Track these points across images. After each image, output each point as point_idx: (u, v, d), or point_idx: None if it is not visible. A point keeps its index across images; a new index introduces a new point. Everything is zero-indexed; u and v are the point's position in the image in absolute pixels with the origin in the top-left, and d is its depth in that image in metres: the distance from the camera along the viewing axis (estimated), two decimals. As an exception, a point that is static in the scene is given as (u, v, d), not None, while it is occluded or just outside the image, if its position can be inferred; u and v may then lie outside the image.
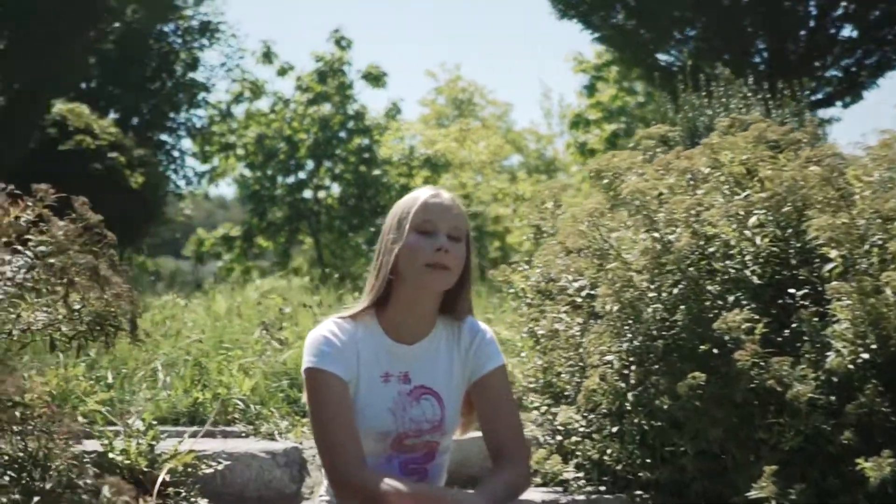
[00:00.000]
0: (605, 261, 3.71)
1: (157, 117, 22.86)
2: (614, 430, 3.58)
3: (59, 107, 16.09)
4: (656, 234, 3.51)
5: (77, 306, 2.80)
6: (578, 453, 3.73)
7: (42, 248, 2.45)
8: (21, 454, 3.20)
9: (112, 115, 20.53)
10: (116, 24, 16.89)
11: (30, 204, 2.58)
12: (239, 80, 24.06)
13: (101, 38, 15.71)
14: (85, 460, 3.39)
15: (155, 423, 3.51)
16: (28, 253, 2.48)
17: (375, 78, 23.58)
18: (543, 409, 4.02)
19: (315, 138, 22.61)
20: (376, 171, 22.31)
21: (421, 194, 2.65)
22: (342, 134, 22.97)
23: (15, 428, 3.13)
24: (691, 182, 3.72)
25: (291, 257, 23.96)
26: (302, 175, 23.26)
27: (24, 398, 3.58)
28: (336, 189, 23.05)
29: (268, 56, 23.61)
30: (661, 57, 15.86)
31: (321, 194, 22.93)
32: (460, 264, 2.59)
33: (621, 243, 3.71)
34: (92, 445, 3.40)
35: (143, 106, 22.54)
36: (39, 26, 13.79)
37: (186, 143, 24.12)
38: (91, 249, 2.61)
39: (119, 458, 3.28)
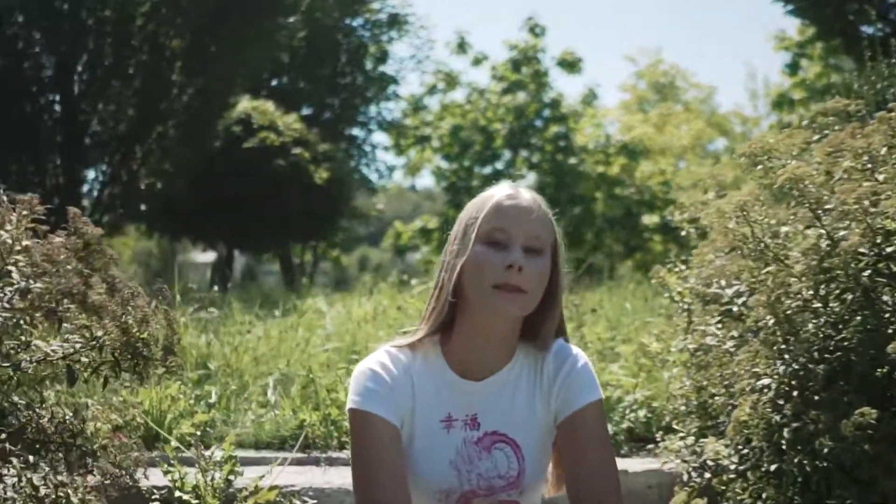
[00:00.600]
0: (761, 263, 3.06)
1: (348, 112, 23.03)
2: (772, 468, 2.93)
3: (244, 104, 16.31)
4: (821, 231, 2.84)
5: (99, 332, 2.44)
6: (729, 495, 3.10)
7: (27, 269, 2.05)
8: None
9: (304, 111, 20.78)
10: (299, 19, 16.93)
11: (13, 217, 2.17)
12: (433, 72, 24.01)
13: (285, 33, 15.76)
14: (154, 497, 3.06)
15: (235, 452, 3.11)
16: (15, 275, 2.10)
17: (570, 64, 23.05)
18: (690, 439, 3.40)
19: (510, 128, 22.28)
20: (572, 160, 21.72)
21: (495, 193, 2.12)
22: (538, 122, 22.55)
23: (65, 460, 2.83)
24: (868, 165, 3.01)
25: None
26: (498, 165, 22.97)
27: (83, 428, 3.28)
28: (532, 179, 22.60)
29: (462, 47, 23.47)
30: (864, 29, 14.45)
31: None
32: (541, 283, 2.07)
33: (782, 241, 3.05)
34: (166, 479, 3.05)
35: (334, 101, 22.75)
36: (222, 23, 13.94)
37: (377, 137, 24.31)
38: (82, 271, 2.20)
39: (188, 497, 2.89)
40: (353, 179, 21.20)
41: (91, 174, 14.39)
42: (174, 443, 3.57)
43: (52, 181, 13.95)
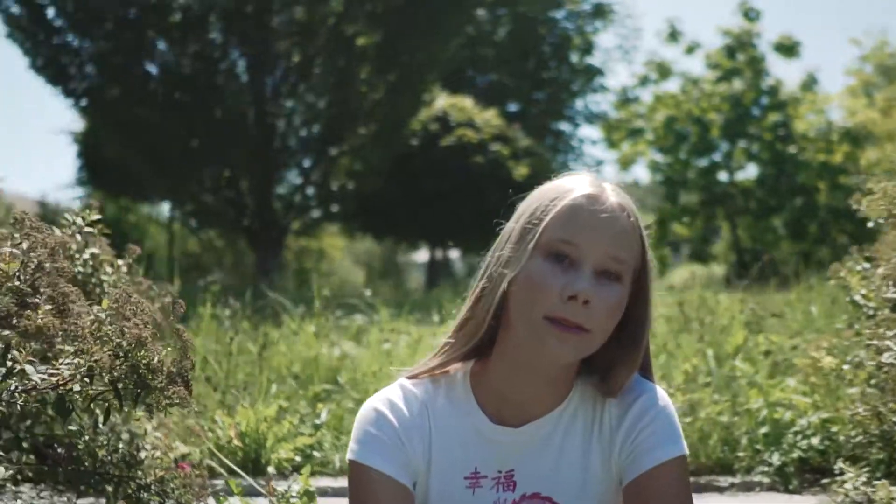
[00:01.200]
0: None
1: (554, 106, 22.53)
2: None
3: (442, 102, 16.08)
4: None
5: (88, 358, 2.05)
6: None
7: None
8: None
9: (510, 108, 20.46)
10: (505, 14, 16.57)
11: None
12: (643, 62, 23.27)
13: (474, 25, 15.40)
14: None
15: (330, 482, 2.66)
16: None
17: (788, 49, 21.81)
18: (864, 477, 2.74)
19: (726, 117, 21.22)
20: (793, 149, 20.44)
21: (571, 190, 1.55)
22: (755, 111, 21.39)
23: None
24: None
25: (709, 243, 22.77)
26: (715, 157, 21.99)
27: (137, 457, 2.95)
28: (752, 170, 21.45)
29: (673, 35, 22.64)
30: None
31: (738, 176, 21.56)
32: (611, 318, 1.50)
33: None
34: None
35: (539, 96, 22.30)
36: (412, 18, 13.73)
37: (585, 132, 23.73)
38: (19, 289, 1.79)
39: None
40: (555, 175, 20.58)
41: (287, 176, 14.46)
42: (272, 469, 3.20)
43: (246, 185, 14.14)
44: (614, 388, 1.59)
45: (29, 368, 2.21)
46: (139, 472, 3.00)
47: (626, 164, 23.91)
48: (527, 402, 1.59)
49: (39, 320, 1.89)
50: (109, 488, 3.00)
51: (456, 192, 15.61)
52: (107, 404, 2.22)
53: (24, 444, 2.80)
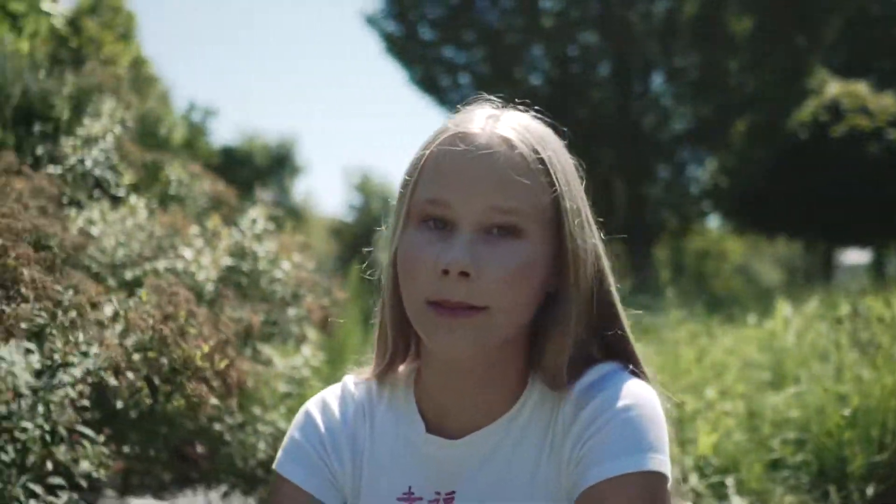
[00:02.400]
0: None
1: None
2: None
3: (832, 89, 14.70)
4: None
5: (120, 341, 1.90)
6: None
7: None
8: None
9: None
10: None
11: None
12: None
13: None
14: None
15: None
16: None
17: None
18: None
19: None
20: None
21: (445, 129, 1.19)
22: None
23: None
24: None
25: None
26: None
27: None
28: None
29: None
30: None
31: None
32: (514, 288, 1.13)
33: None
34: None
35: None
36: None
37: None
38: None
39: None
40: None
41: (659, 174, 13.99)
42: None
43: (619, 184, 13.88)
44: (555, 377, 1.20)
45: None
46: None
47: None
48: (466, 410, 1.23)
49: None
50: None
51: (849, 184, 14.26)
52: (138, 393, 2.09)
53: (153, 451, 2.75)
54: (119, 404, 2.89)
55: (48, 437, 2.27)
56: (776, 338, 4.18)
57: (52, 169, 3.15)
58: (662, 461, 1.15)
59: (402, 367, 1.29)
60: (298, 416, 1.30)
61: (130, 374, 2.00)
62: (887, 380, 3.08)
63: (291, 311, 3.07)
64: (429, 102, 14.80)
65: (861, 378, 3.24)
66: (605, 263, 1.22)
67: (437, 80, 15.12)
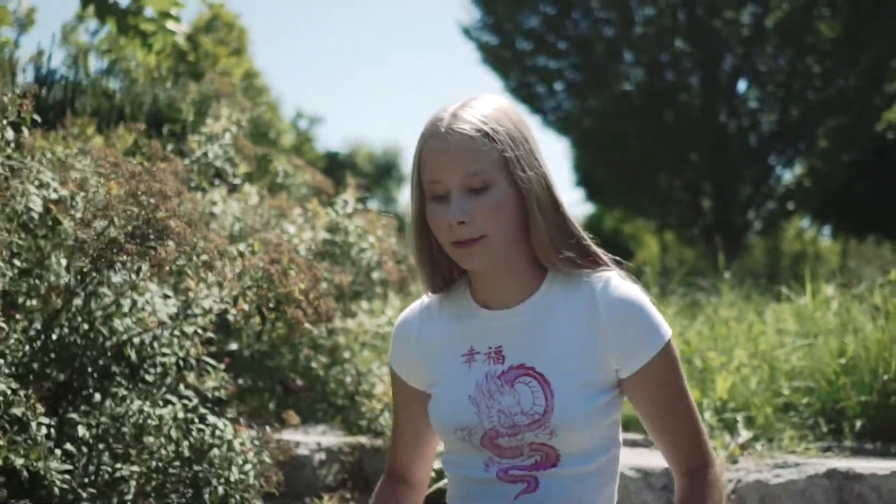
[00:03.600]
0: None
1: None
2: None
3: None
4: None
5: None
6: None
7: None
8: None
9: None
10: None
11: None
12: None
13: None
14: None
15: None
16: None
17: None
18: None
19: None
20: None
21: (427, 127, 1.84)
22: None
23: None
24: None
25: None
26: None
27: (361, 390, 3.46)
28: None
29: None
30: None
31: None
32: (503, 213, 1.78)
33: None
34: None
35: None
36: (879, 5, 12.97)
37: None
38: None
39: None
40: None
41: (747, 175, 14.31)
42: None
43: (708, 186, 14.25)
44: (547, 258, 1.83)
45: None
46: (365, 403, 3.50)
47: None
48: (501, 294, 1.86)
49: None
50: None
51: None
52: (256, 322, 2.76)
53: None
54: (234, 346, 3.60)
55: (181, 363, 2.96)
56: (811, 311, 4.68)
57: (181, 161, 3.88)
58: (665, 325, 1.81)
59: (458, 284, 1.95)
60: (396, 325, 2.01)
61: (245, 305, 2.66)
62: (882, 334, 3.60)
63: (375, 275, 3.74)
64: (524, 109, 15.36)
65: (861, 331, 3.76)
66: (557, 192, 1.83)
67: (532, 87, 15.67)
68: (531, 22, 15.33)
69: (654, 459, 3.20)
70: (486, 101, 1.82)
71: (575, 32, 15.03)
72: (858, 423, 3.46)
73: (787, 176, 14.87)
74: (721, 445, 3.37)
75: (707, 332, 4.95)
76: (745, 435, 3.47)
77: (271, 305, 2.68)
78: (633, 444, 3.60)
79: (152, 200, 2.49)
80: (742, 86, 14.44)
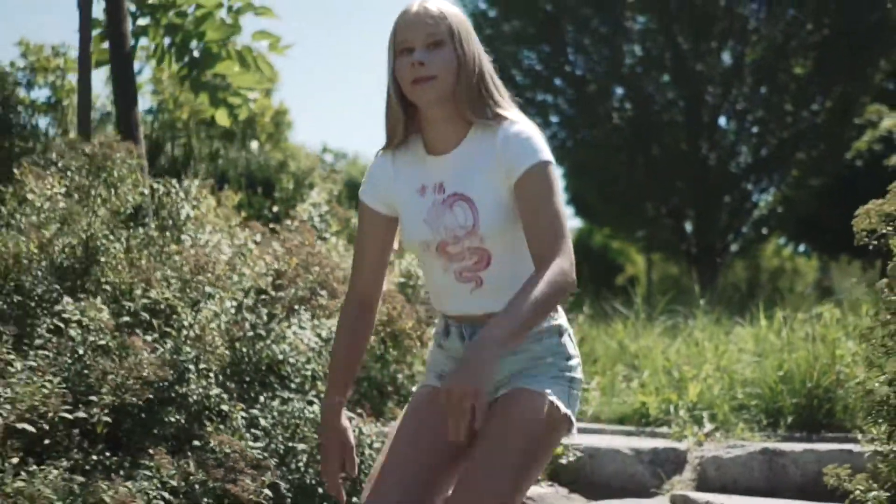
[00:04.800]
0: None
1: None
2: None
3: (888, 121, 16.23)
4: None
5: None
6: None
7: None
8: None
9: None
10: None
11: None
12: None
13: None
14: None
15: None
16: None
17: None
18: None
19: None
20: None
21: (401, 12, 2.53)
22: None
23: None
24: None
25: None
26: None
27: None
28: None
29: None
30: None
31: None
32: (448, 66, 2.42)
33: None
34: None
35: None
36: (841, 45, 14.41)
37: None
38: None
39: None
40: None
41: (726, 202, 15.75)
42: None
43: (691, 212, 15.71)
44: (477, 110, 2.42)
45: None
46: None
47: None
48: (441, 142, 2.48)
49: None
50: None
51: (902, 209, 15.76)
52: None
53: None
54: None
55: (316, 375, 4.28)
56: (764, 334, 6.06)
57: (289, 223, 5.23)
58: (547, 154, 2.35)
59: (412, 136, 2.51)
60: (369, 169, 2.57)
61: (372, 338, 4.00)
62: (809, 354, 4.96)
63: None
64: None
65: (796, 352, 5.13)
66: (484, 70, 2.41)
67: (530, 119, 16.99)
68: (530, 59, 16.71)
69: (644, 442, 4.56)
70: (444, 2, 2.48)
71: (569, 70, 16.41)
72: (790, 419, 4.84)
73: (763, 203, 16.31)
74: (691, 433, 4.73)
75: (684, 349, 6.33)
76: (708, 427, 4.85)
77: (387, 335, 4.02)
78: (628, 433, 4.96)
79: (317, 268, 3.84)
80: (722, 121, 15.83)
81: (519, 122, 2.42)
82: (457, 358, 2.49)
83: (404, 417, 2.53)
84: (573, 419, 2.42)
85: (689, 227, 15.98)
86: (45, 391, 3.12)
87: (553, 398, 2.37)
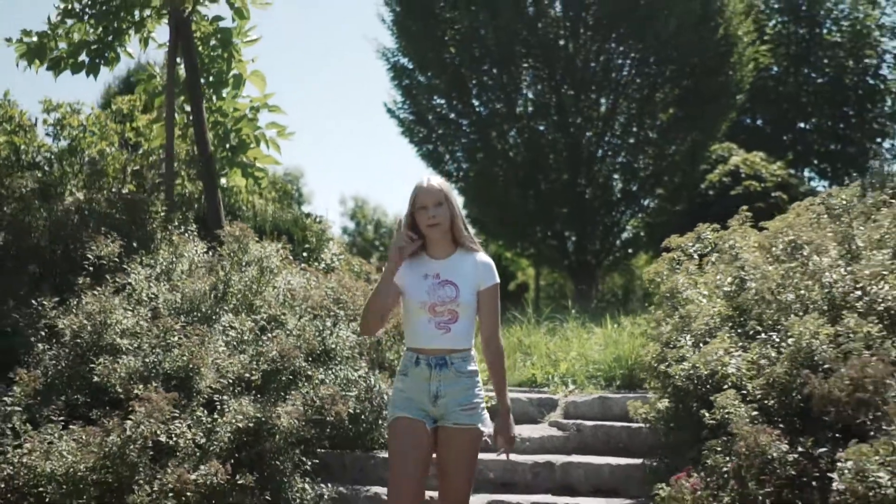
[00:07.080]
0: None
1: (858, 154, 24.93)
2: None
3: (735, 158, 19.93)
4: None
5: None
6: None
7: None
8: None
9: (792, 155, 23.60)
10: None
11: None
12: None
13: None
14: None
15: None
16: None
17: None
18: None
19: None
20: None
21: (418, 186, 4.22)
22: None
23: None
24: None
25: None
26: None
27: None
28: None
29: None
30: None
31: None
32: (447, 217, 4.18)
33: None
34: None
35: (832, 143, 25.02)
36: (689, 105, 18.12)
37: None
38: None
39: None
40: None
41: (601, 226, 19.36)
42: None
43: (572, 234, 19.30)
44: (462, 241, 4.23)
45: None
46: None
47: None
48: (440, 251, 4.25)
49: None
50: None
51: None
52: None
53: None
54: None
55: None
56: (609, 332, 9.48)
57: (315, 264, 8.37)
58: (497, 277, 4.30)
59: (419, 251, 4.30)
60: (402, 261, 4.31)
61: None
62: (630, 343, 8.33)
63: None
64: (433, 171, 19.94)
65: (624, 343, 8.53)
66: (461, 220, 4.26)
67: (438, 152, 20.23)
68: (439, 102, 19.87)
69: (534, 395, 7.88)
70: (439, 179, 4.26)
71: (472, 111, 19.67)
72: (619, 382, 8.22)
73: (629, 227, 20.05)
74: (561, 390, 8.05)
75: (560, 342, 9.72)
76: (571, 387, 8.20)
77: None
78: (526, 391, 8.29)
79: (348, 294, 7.03)
80: (597, 157, 19.38)
81: (483, 253, 4.27)
82: (423, 382, 4.16)
83: (397, 443, 4.20)
84: (489, 430, 4.27)
85: (570, 246, 19.54)
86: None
87: (482, 428, 4.22)
